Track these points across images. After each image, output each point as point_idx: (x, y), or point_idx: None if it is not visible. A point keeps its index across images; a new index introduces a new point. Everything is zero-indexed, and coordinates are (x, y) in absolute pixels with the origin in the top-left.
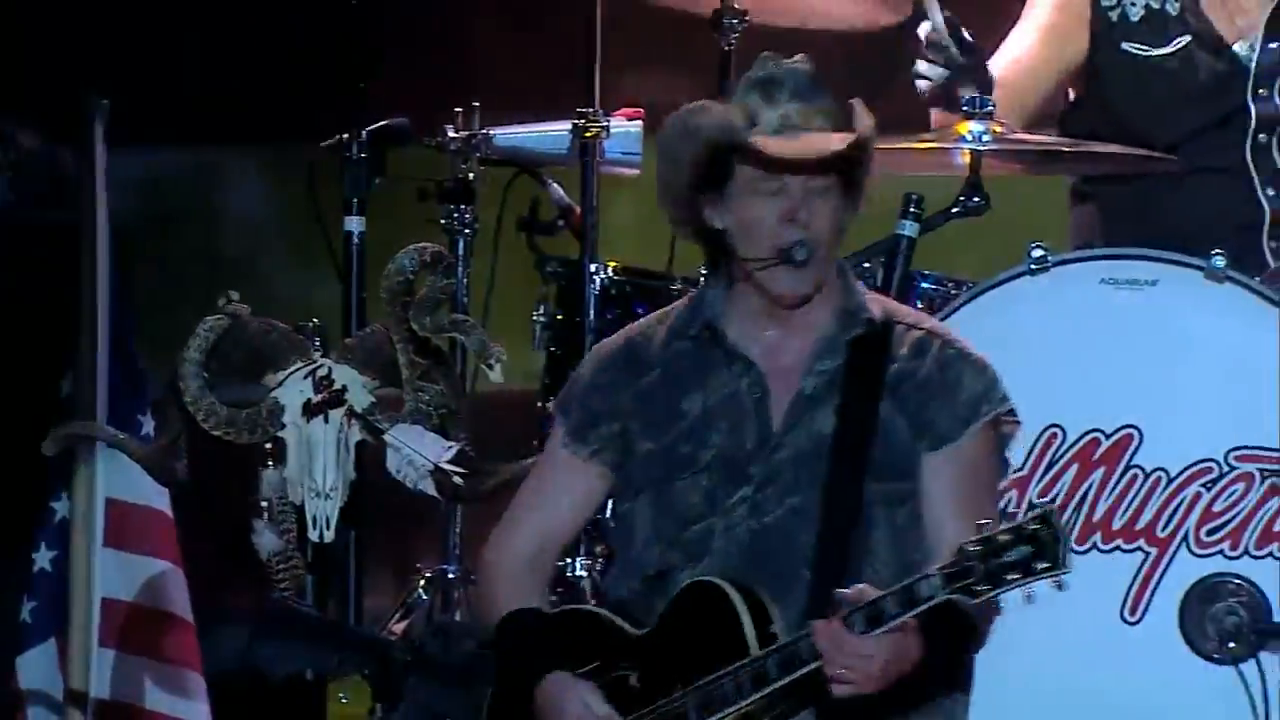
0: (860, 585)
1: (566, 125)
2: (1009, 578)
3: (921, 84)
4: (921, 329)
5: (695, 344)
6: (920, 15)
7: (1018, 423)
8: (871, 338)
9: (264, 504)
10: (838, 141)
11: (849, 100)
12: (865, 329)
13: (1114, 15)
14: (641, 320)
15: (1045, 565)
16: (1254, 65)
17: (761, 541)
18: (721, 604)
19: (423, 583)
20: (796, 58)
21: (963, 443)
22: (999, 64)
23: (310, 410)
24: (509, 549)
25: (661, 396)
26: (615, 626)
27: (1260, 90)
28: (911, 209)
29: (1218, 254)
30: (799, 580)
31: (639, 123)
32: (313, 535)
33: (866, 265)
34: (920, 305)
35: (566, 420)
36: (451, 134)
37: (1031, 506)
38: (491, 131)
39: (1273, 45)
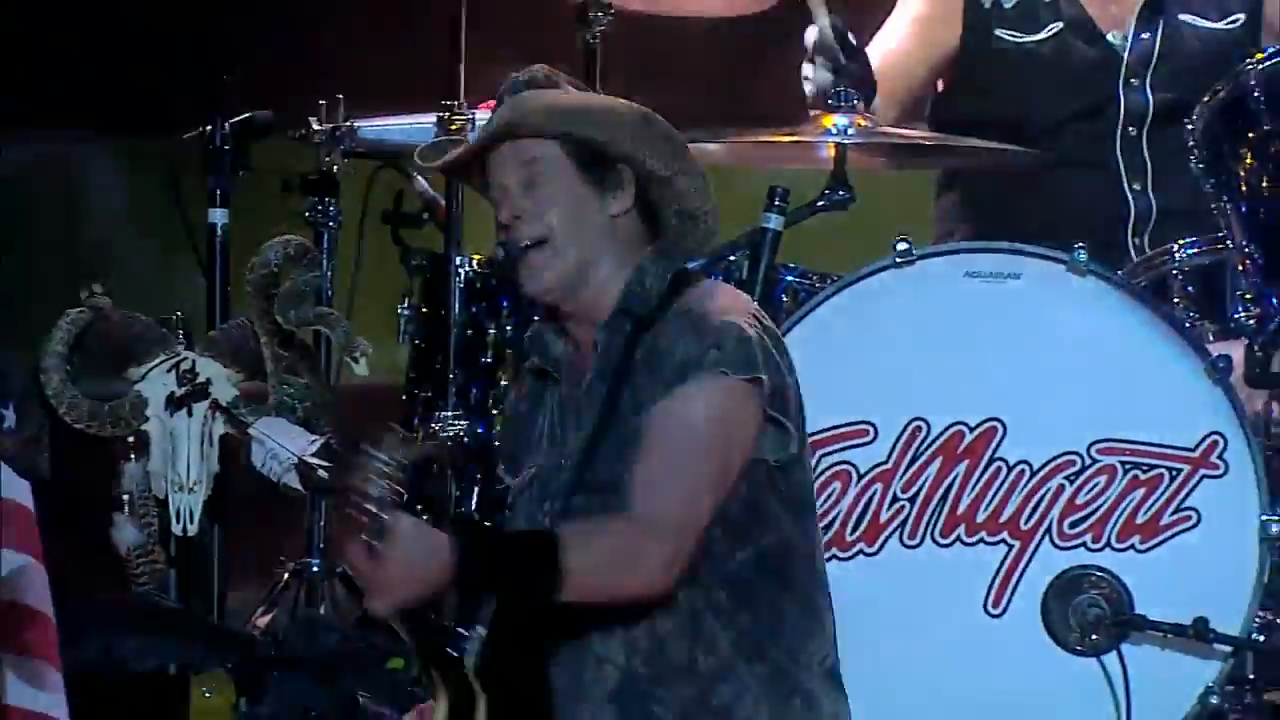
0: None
1: (431, 118)
2: None
3: (808, 87)
4: (693, 315)
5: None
6: (808, 19)
7: (760, 382)
8: (639, 324)
9: (126, 497)
10: (488, 128)
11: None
12: (630, 324)
13: (987, 3)
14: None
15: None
16: (1126, 54)
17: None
18: None
19: (287, 576)
20: (534, 67)
21: (661, 402)
22: (872, 55)
23: (174, 403)
24: None
25: (520, 429)
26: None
27: (1132, 80)
28: (776, 202)
29: (1080, 247)
30: None
31: None
32: (176, 529)
33: (731, 259)
34: (785, 298)
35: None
36: (315, 126)
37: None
38: (356, 124)
39: (1145, 35)
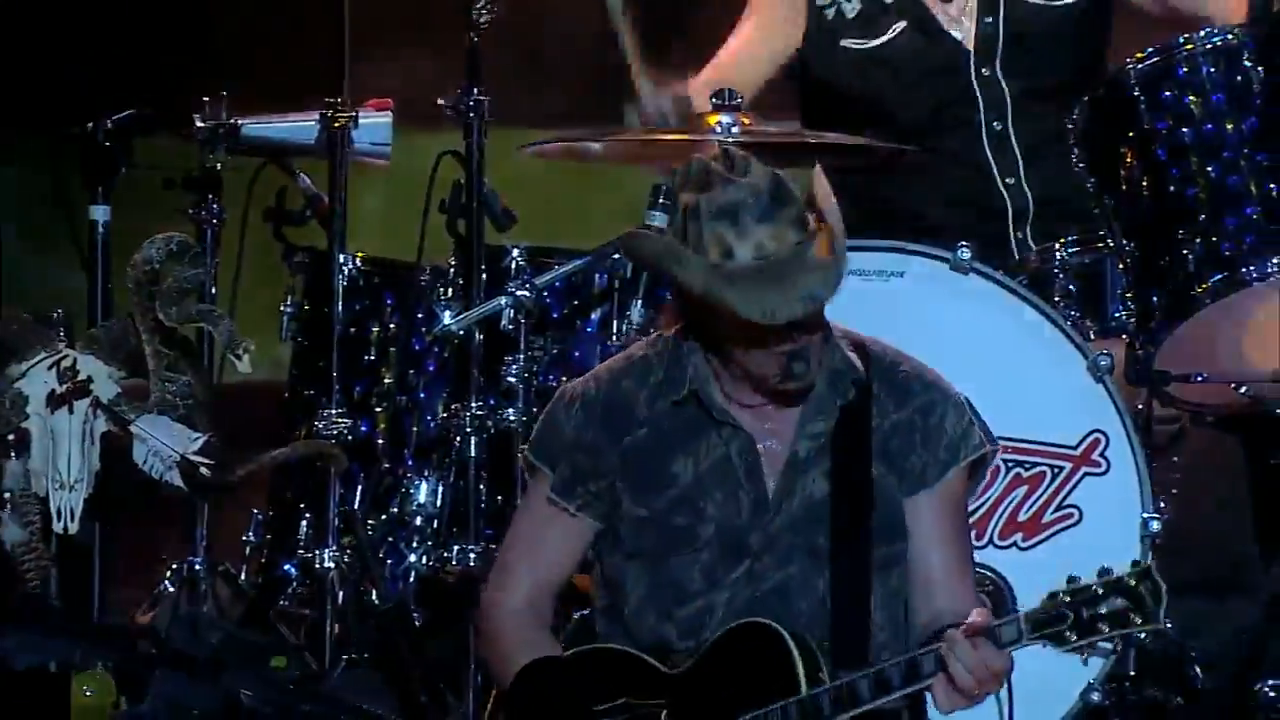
0: (978, 611)
1: (315, 116)
2: (1101, 628)
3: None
4: (901, 371)
5: (681, 406)
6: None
7: (996, 449)
8: (859, 395)
9: (6, 495)
10: (820, 285)
11: (811, 182)
12: (853, 390)
13: (830, 14)
14: (613, 366)
15: (1140, 620)
16: (972, 45)
17: (759, 609)
18: (771, 645)
19: (169, 575)
20: (749, 171)
21: (937, 487)
22: (723, 49)
23: (54, 401)
24: (507, 598)
25: (650, 458)
26: (644, 663)
27: (983, 70)
28: (661, 200)
29: (963, 246)
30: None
31: (388, 114)
32: (57, 527)
33: (616, 257)
34: (669, 298)
35: (550, 473)
36: (199, 123)
37: (1134, 563)
38: (239, 121)
39: (989, 20)
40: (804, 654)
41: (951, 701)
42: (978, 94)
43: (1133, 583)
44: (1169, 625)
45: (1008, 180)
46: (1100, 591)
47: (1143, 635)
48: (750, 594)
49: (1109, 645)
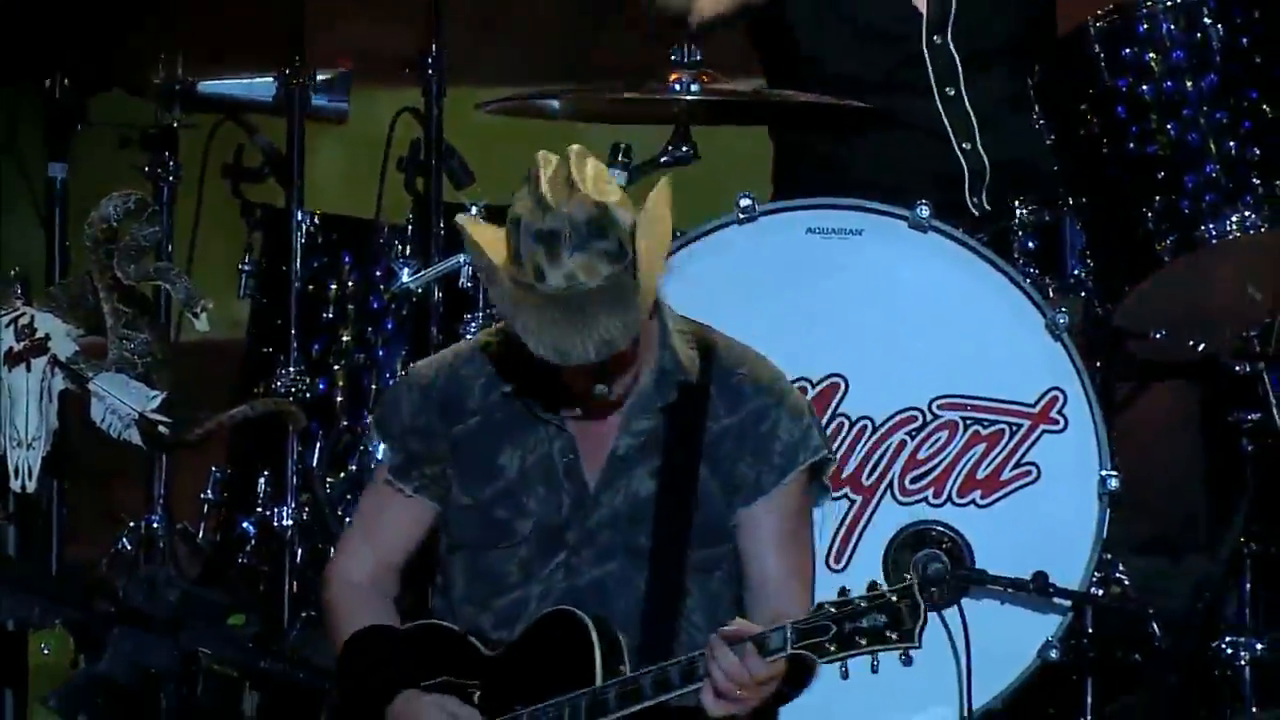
0: (740, 621)
1: (272, 73)
2: (859, 642)
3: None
4: (738, 374)
5: (510, 399)
6: None
7: (833, 459)
8: (690, 392)
9: None
10: (620, 331)
11: (626, 224)
12: (679, 394)
13: None
14: (459, 351)
15: (896, 637)
16: (925, 10)
17: (577, 602)
18: (576, 634)
19: (127, 533)
20: (576, 198)
21: (775, 494)
22: None
23: (12, 359)
24: (348, 572)
25: (479, 448)
26: (468, 644)
27: (934, 38)
28: (620, 158)
29: (922, 204)
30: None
31: (346, 71)
32: (14, 485)
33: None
34: None
35: (388, 453)
36: (155, 81)
37: (903, 576)
38: (196, 79)
39: None
40: (606, 645)
41: (718, 706)
42: (928, 62)
43: (894, 599)
44: (920, 647)
45: (963, 145)
46: (864, 605)
47: (898, 651)
48: (567, 587)
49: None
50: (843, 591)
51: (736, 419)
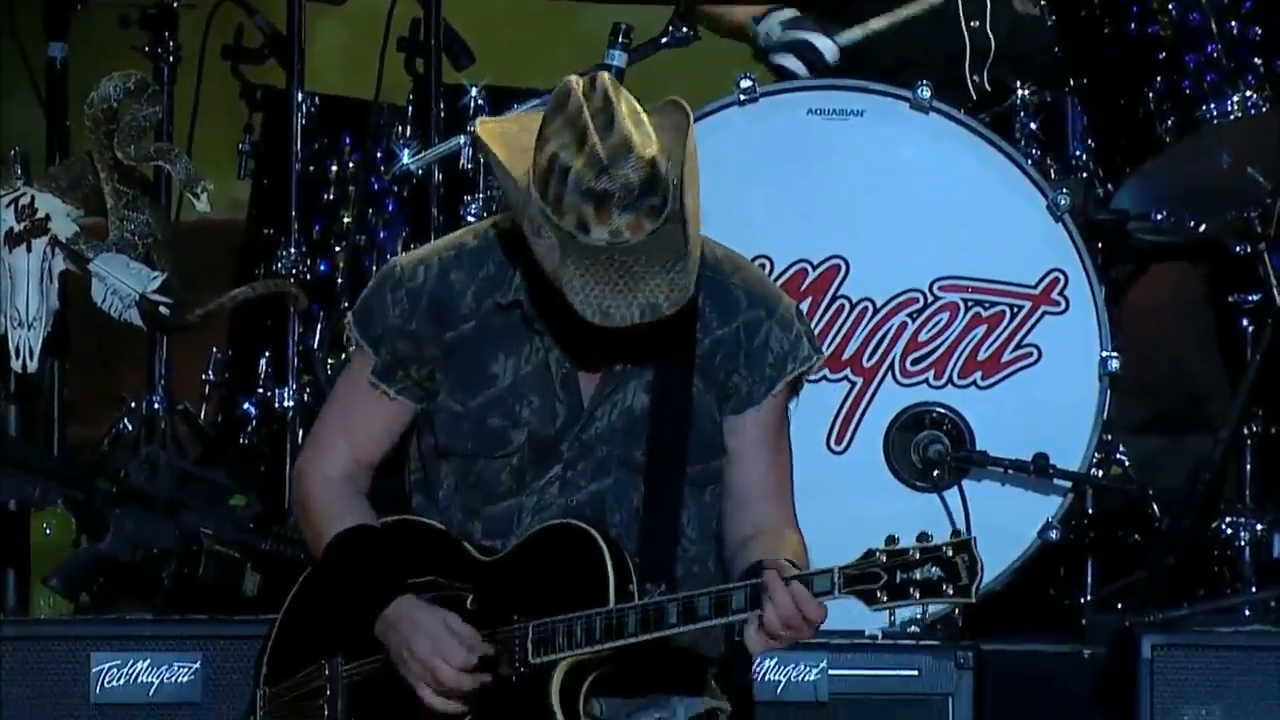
0: (780, 561)
1: None
2: (912, 593)
3: None
4: (731, 283)
5: (506, 309)
6: None
7: (822, 356)
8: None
9: None
10: (664, 295)
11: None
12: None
13: None
14: (443, 255)
15: (952, 592)
16: None
17: (573, 518)
18: (585, 550)
19: (128, 413)
20: (633, 160)
21: (764, 404)
22: None
23: (12, 239)
24: (322, 466)
25: (472, 355)
26: (457, 545)
27: None
28: (620, 39)
29: (923, 85)
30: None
31: None
32: (15, 365)
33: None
34: None
35: (372, 355)
36: None
37: (954, 533)
38: None
39: None
40: (616, 565)
41: (761, 642)
42: None
43: (949, 553)
44: (974, 601)
45: (973, 23)
46: (917, 557)
47: (952, 607)
48: (564, 502)
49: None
50: (890, 540)
51: (730, 330)
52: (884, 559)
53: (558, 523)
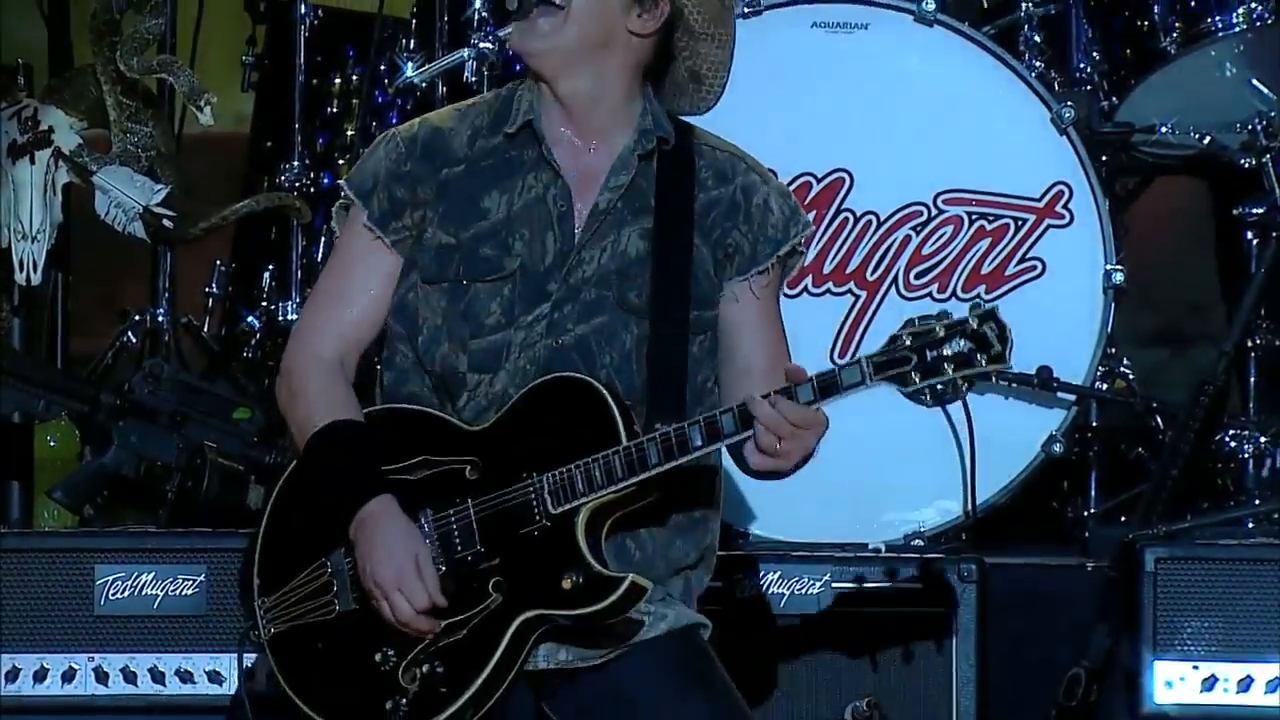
0: (793, 365)
1: None
2: (946, 369)
3: None
4: (724, 151)
5: (505, 143)
6: None
7: (809, 238)
8: (676, 159)
9: None
10: None
11: None
12: (657, 144)
13: None
14: (440, 111)
15: (985, 360)
16: None
17: (560, 359)
18: (584, 397)
19: (132, 326)
20: None
21: (769, 267)
22: None
23: (15, 151)
24: (318, 347)
25: (464, 190)
26: (444, 422)
27: None
28: None
29: None
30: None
31: None
32: (19, 278)
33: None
34: None
35: (368, 206)
36: None
37: (973, 305)
38: None
39: None
40: (619, 405)
41: (759, 460)
42: None
43: (975, 324)
44: (1011, 366)
45: None
46: (942, 334)
47: (989, 375)
48: (550, 343)
49: (953, 385)
50: (909, 322)
51: (727, 190)
52: (910, 341)
53: (546, 379)
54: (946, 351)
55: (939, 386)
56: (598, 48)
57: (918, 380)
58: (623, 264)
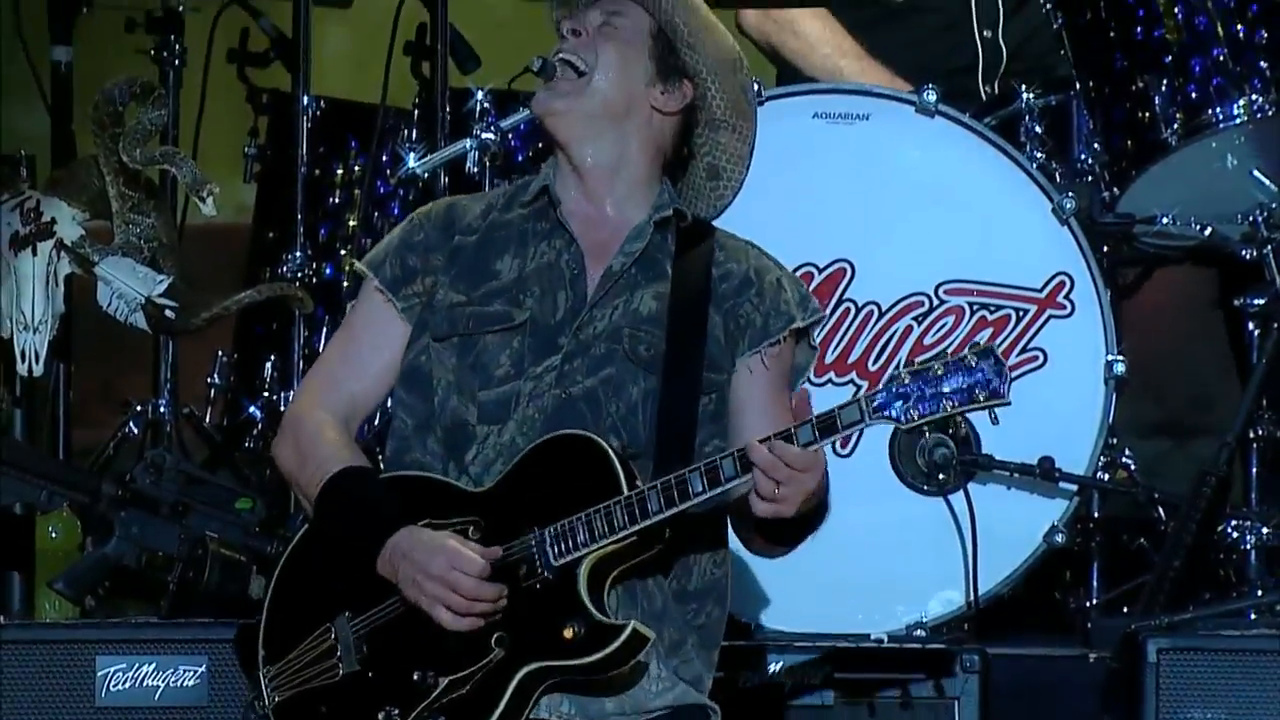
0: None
1: None
2: (945, 406)
3: None
4: (735, 237)
5: (521, 216)
6: None
7: (824, 316)
8: (692, 235)
9: None
10: None
11: None
12: (671, 215)
13: None
14: (461, 195)
15: (985, 397)
16: None
17: (568, 409)
18: (585, 451)
19: (134, 417)
20: None
21: (780, 344)
22: None
23: (18, 243)
24: (322, 407)
25: (476, 254)
26: (446, 484)
27: None
28: None
29: (929, 88)
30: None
31: None
32: (21, 369)
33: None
34: None
35: (379, 273)
36: None
37: (973, 344)
38: None
39: None
40: (620, 457)
41: (761, 506)
42: None
43: (974, 362)
44: (1011, 404)
45: (985, 33)
46: (941, 371)
47: (987, 411)
48: (559, 394)
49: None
50: (908, 363)
51: (741, 268)
52: (908, 379)
53: (547, 438)
54: (945, 389)
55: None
56: (619, 116)
57: (915, 418)
58: (634, 320)
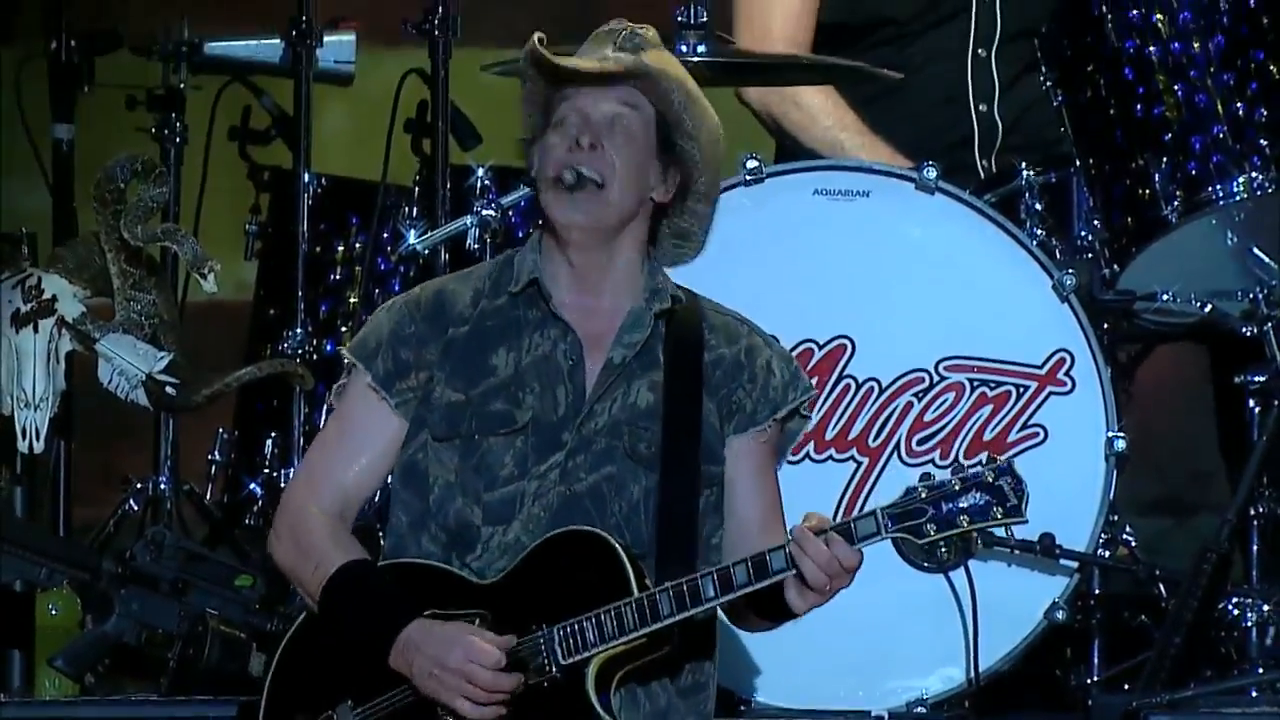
0: (814, 514)
1: (279, 34)
2: (961, 522)
3: None
4: (724, 313)
5: (511, 303)
6: None
7: (813, 403)
8: (684, 320)
9: None
10: (613, 62)
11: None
12: (671, 304)
13: None
14: (441, 277)
15: (1001, 514)
16: None
17: (573, 509)
18: (595, 549)
19: (134, 494)
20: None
21: (768, 427)
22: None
23: (19, 320)
24: (317, 501)
25: (470, 351)
26: (450, 575)
27: None
28: None
29: (929, 165)
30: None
31: (352, 33)
32: (22, 446)
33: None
34: None
35: (371, 369)
36: (162, 42)
37: (989, 458)
38: (202, 40)
39: None
40: (630, 557)
41: (805, 600)
42: (973, 19)
43: (991, 478)
44: (1028, 522)
45: (981, 107)
46: (958, 487)
47: (1003, 529)
48: (564, 491)
49: (955, 549)
50: (925, 476)
51: (732, 350)
52: (925, 494)
53: (557, 533)
54: (962, 504)
55: (953, 543)
56: (628, 220)
57: (933, 533)
58: (632, 415)
